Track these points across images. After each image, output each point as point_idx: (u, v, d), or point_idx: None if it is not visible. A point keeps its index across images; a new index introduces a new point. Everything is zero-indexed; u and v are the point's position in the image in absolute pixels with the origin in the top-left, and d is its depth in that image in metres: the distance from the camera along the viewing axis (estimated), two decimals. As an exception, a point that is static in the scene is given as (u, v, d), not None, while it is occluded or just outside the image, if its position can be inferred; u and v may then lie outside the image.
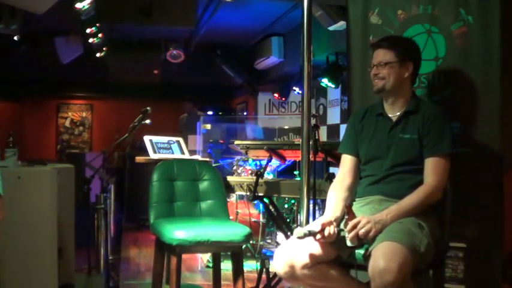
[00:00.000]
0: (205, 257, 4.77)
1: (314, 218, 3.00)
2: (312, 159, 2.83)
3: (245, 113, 9.87)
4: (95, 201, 4.08)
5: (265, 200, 3.68)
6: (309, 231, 2.18)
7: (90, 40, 6.61)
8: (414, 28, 2.84)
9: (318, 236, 2.20)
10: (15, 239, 2.95)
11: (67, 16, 5.45)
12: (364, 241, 2.18)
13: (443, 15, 2.77)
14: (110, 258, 4.48)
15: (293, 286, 2.74)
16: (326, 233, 2.19)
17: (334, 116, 7.30)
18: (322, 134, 7.15)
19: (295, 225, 4.71)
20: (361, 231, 2.16)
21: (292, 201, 5.19)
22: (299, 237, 2.16)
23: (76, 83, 10.06)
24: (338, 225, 2.34)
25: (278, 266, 2.30)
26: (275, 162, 4.51)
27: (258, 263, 3.40)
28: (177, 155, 3.98)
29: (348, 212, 2.24)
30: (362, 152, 2.49)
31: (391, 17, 2.91)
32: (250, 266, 4.27)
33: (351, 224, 2.19)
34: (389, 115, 2.46)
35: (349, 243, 2.21)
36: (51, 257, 3.06)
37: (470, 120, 2.68)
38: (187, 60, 8.12)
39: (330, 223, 2.24)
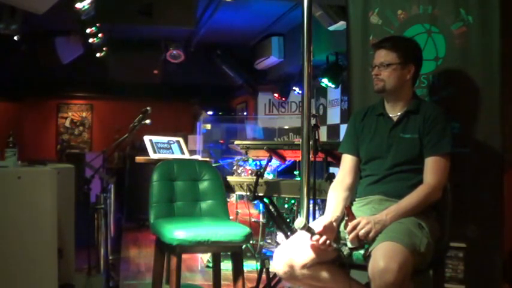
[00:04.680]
0: (205, 257, 4.77)
1: (314, 218, 3.00)
2: (312, 159, 2.83)
3: (245, 113, 9.87)
4: (95, 201, 4.08)
5: (265, 200, 3.68)
6: (310, 227, 2.18)
7: (90, 40, 6.61)
8: (414, 28, 2.84)
9: (316, 237, 2.19)
10: (15, 239, 2.95)
11: (67, 16, 5.45)
12: (365, 242, 2.18)
13: (443, 15, 2.77)
14: (110, 258, 4.48)
15: (293, 286, 2.74)
16: (321, 240, 2.19)
17: (334, 116, 7.30)
18: (322, 134, 7.15)
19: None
20: (361, 232, 2.16)
21: (292, 201, 5.20)
22: (298, 227, 2.16)
23: (76, 83, 10.06)
24: (338, 226, 2.34)
25: (278, 266, 2.30)
26: (275, 162, 4.51)
27: (258, 263, 3.40)
28: (177, 155, 3.98)
29: (347, 213, 2.24)
30: (362, 151, 2.49)
31: (391, 17, 2.91)
32: (250, 266, 4.27)
33: (350, 225, 2.19)
34: (390, 115, 2.46)
35: (349, 245, 2.21)
36: (51, 257, 3.05)
37: (470, 120, 2.68)
38: (187, 60, 8.12)
39: (331, 231, 2.23)
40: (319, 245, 2.19)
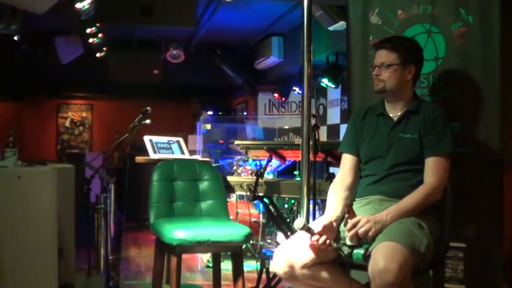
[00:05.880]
0: (205, 257, 4.77)
1: (314, 218, 3.00)
2: (312, 159, 2.83)
3: (245, 113, 9.87)
4: (95, 201, 4.08)
5: (265, 200, 3.68)
6: (309, 227, 2.19)
7: (90, 40, 6.60)
8: (414, 28, 2.84)
9: (316, 237, 2.19)
10: (15, 239, 2.95)
11: (67, 16, 5.45)
12: (364, 240, 2.18)
13: (443, 15, 2.77)
14: (110, 258, 4.48)
15: (293, 286, 2.74)
16: (321, 240, 2.19)
17: (334, 116, 7.29)
18: (322, 134, 7.15)
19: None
20: (361, 231, 2.16)
21: (292, 201, 5.19)
22: (298, 228, 2.17)
23: (76, 83, 10.05)
24: (338, 225, 2.34)
25: (278, 266, 2.30)
26: (275, 162, 4.51)
27: (258, 263, 3.40)
28: (177, 155, 3.98)
29: (348, 211, 2.24)
30: (362, 151, 2.49)
31: (391, 17, 2.91)
32: (250, 266, 4.27)
33: (350, 223, 2.19)
34: (390, 115, 2.46)
35: (348, 242, 2.21)
36: (51, 257, 3.06)
37: (470, 120, 2.68)
38: (187, 60, 8.11)
39: (331, 231, 2.24)
40: (319, 245, 2.19)
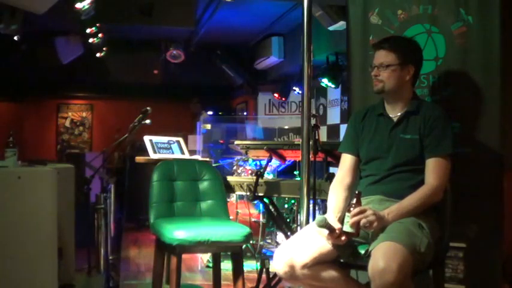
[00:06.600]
0: (205, 257, 4.77)
1: (314, 218, 3.00)
2: (312, 159, 2.83)
3: (245, 113, 9.87)
4: (95, 201, 4.08)
5: (265, 200, 3.68)
6: (330, 225, 2.19)
7: (90, 40, 6.61)
8: (414, 28, 2.84)
9: (343, 238, 2.21)
10: (15, 239, 2.95)
11: (67, 16, 5.45)
12: (362, 230, 2.19)
13: (443, 15, 2.77)
14: (110, 258, 4.47)
15: (293, 286, 2.74)
16: (342, 238, 2.21)
17: (334, 116, 7.30)
18: (322, 134, 7.15)
19: (295, 225, 4.71)
20: (364, 220, 2.15)
21: (292, 201, 5.19)
22: (318, 225, 2.17)
23: (76, 83, 10.06)
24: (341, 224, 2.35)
25: (278, 266, 2.30)
26: (275, 162, 4.51)
27: (258, 263, 3.40)
28: (177, 155, 3.98)
29: (356, 199, 2.23)
30: (363, 151, 2.49)
31: (391, 17, 2.91)
32: (250, 266, 4.27)
33: (358, 208, 2.18)
34: (390, 115, 2.46)
35: (346, 227, 2.21)
36: (51, 257, 3.05)
37: (470, 120, 2.68)
38: (187, 60, 8.12)
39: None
40: (337, 242, 2.21)
